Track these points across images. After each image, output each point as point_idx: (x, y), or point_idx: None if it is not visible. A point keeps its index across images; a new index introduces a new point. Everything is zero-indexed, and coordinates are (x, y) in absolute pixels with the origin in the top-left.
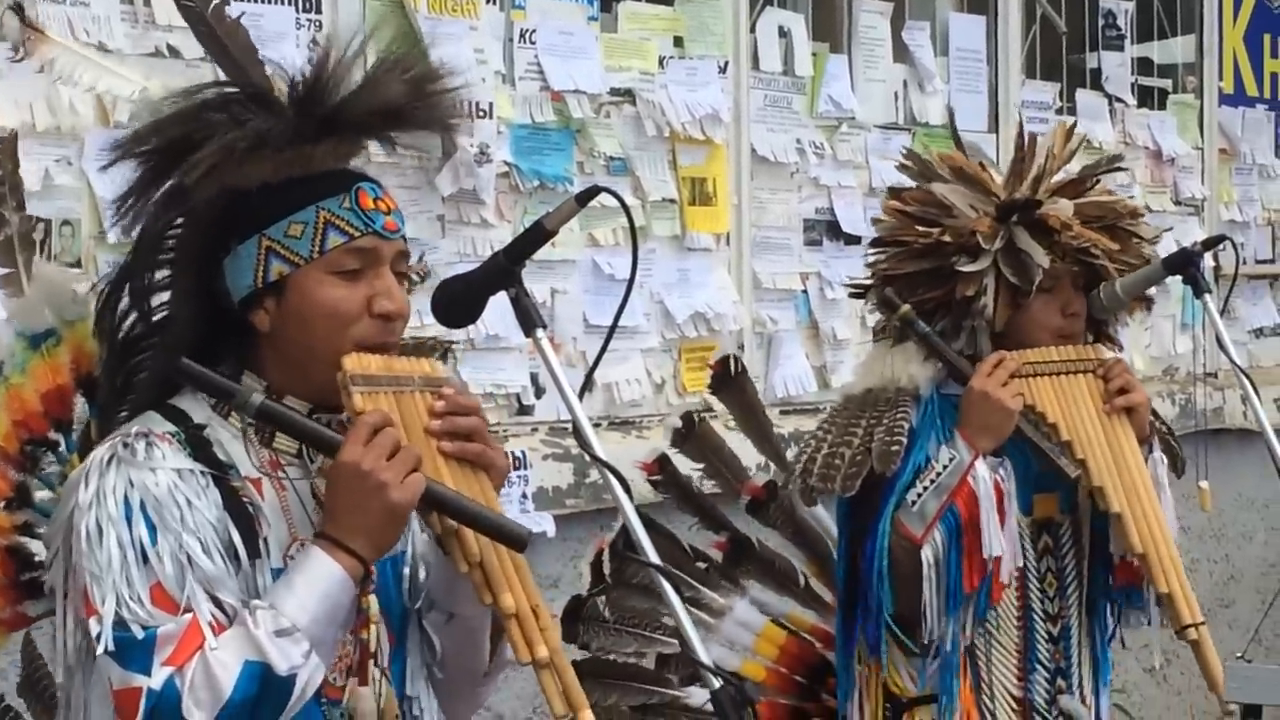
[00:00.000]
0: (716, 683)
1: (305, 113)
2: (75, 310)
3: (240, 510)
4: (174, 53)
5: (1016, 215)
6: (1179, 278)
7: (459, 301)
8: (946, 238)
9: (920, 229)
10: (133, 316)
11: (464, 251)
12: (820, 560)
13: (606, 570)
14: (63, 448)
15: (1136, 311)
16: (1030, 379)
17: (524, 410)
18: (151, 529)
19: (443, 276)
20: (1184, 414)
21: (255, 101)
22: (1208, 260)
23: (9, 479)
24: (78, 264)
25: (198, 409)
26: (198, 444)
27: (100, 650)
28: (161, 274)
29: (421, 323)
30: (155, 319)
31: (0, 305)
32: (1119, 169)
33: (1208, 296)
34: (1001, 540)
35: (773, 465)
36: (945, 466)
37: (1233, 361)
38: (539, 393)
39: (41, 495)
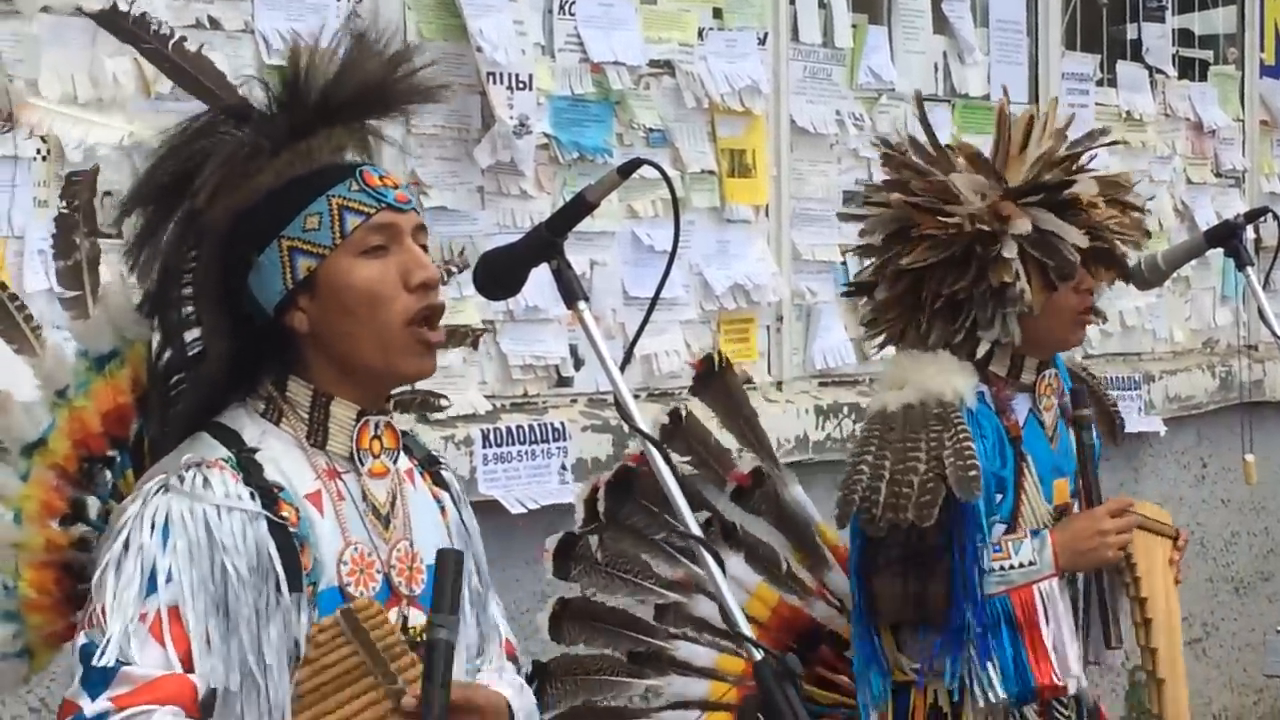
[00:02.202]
0: (758, 655)
1: (292, 111)
2: (137, 330)
3: (285, 541)
4: (214, 24)
5: (1042, 196)
6: (1219, 250)
7: (501, 274)
8: (968, 225)
9: (939, 219)
10: (168, 352)
11: (503, 223)
12: (804, 544)
13: (600, 509)
14: (119, 462)
15: (1110, 282)
16: (1137, 530)
17: (563, 382)
18: (177, 563)
19: (482, 248)
20: (1224, 386)
21: (237, 117)
22: (1248, 232)
23: (66, 496)
24: (119, 234)
25: (250, 424)
26: (249, 468)
27: (75, 655)
28: (187, 309)
29: (462, 294)
30: (190, 353)
31: (66, 327)
32: (1111, 143)
33: (1249, 269)
34: (1073, 660)
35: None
36: (1021, 565)
37: (1275, 334)
38: (578, 364)
39: (95, 508)
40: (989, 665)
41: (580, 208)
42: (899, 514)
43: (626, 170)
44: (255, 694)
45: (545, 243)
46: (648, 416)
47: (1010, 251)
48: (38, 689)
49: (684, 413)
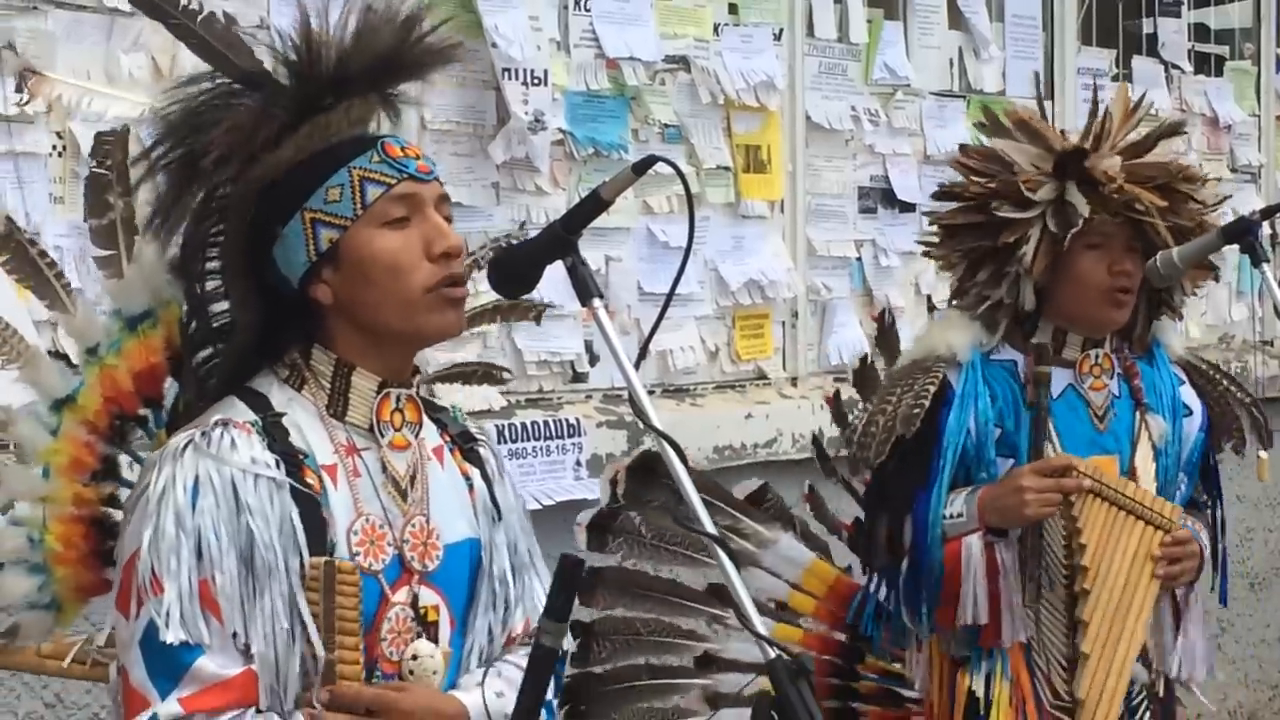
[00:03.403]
0: (772, 653)
1: (306, 84)
2: (171, 290)
3: (311, 507)
4: (229, 20)
5: (1068, 168)
6: (1236, 246)
7: (516, 270)
8: (994, 185)
9: (974, 180)
10: (194, 326)
11: (518, 219)
12: None
13: (620, 491)
14: (151, 423)
15: (1201, 281)
16: (1092, 497)
17: (578, 378)
18: (214, 525)
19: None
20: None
21: (251, 85)
22: (1264, 228)
23: (97, 453)
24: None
25: (277, 389)
26: (276, 433)
27: (138, 638)
28: (214, 283)
29: (476, 290)
30: (217, 325)
31: (100, 286)
32: (1180, 133)
33: (1265, 265)
34: (981, 610)
35: None
36: (953, 517)
37: None
38: (593, 360)
39: (126, 466)
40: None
41: (595, 205)
42: (865, 452)
43: (641, 167)
44: (292, 654)
45: (560, 240)
46: (662, 413)
47: (1016, 212)
48: (53, 683)
49: (869, 360)
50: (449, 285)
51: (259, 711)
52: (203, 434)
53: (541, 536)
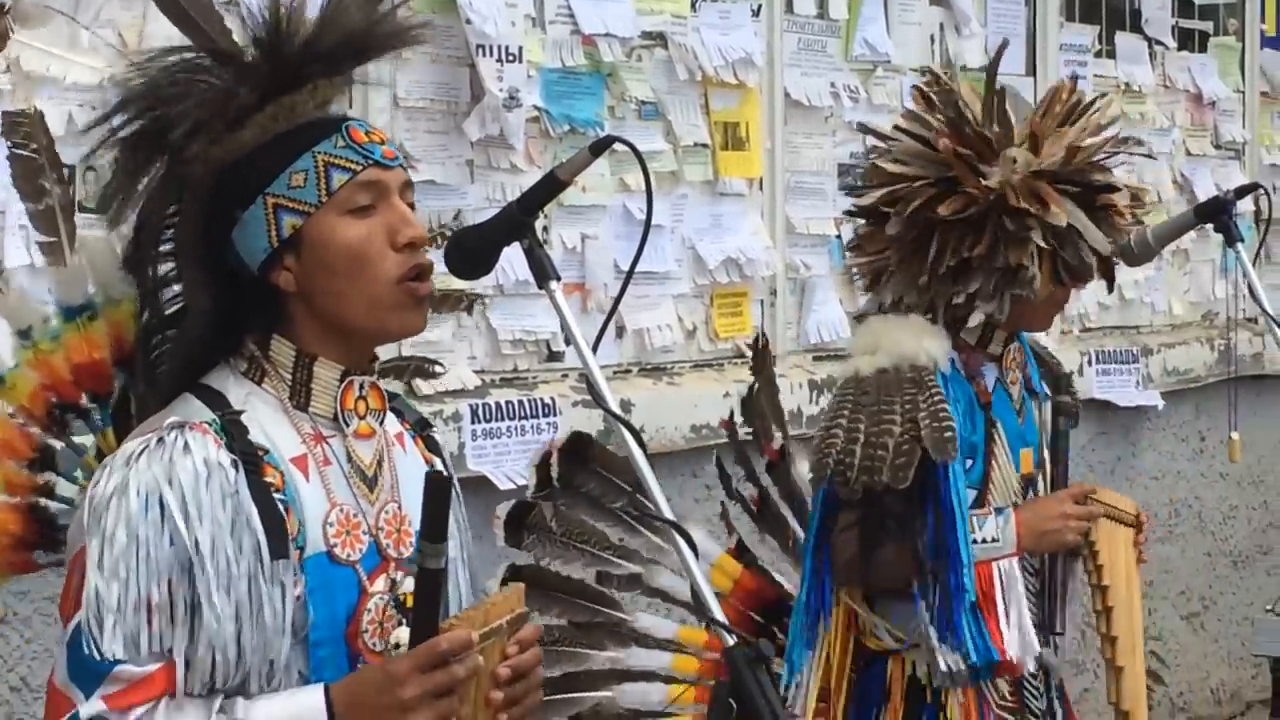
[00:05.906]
0: (730, 640)
1: (274, 63)
2: (121, 289)
3: (269, 506)
4: None
5: (1079, 188)
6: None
7: (471, 253)
8: (1002, 192)
9: (982, 180)
10: (145, 313)
11: (493, 197)
12: (804, 520)
13: (554, 475)
14: (96, 418)
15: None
16: (1100, 518)
17: (553, 356)
18: (159, 535)
19: (471, 222)
20: (1223, 360)
21: (220, 62)
22: (1248, 205)
23: (33, 440)
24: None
25: (235, 385)
26: (235, 431)
27: (64, 642)
28: (166, 266)
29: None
30: (170, 311)
31: (46, 275)
32: (1145, 155)
33: (1239, 245)
34: (1030, 640)
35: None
36: (984, 541)
37: (1263, 310)
38: (568, 339)
39: (68, 459)
40: (949, 635)
41: (551, 186)
42: (874, 476)
43: (598, 148)
44: (241, 660)
45: (516, 222)
46: (639, 392)
47: (1038, 237)
48: (19, 668)
49: (755, 387)
50: (415, 278)
51: (171, 697)
52: (159, 440)
53: None
